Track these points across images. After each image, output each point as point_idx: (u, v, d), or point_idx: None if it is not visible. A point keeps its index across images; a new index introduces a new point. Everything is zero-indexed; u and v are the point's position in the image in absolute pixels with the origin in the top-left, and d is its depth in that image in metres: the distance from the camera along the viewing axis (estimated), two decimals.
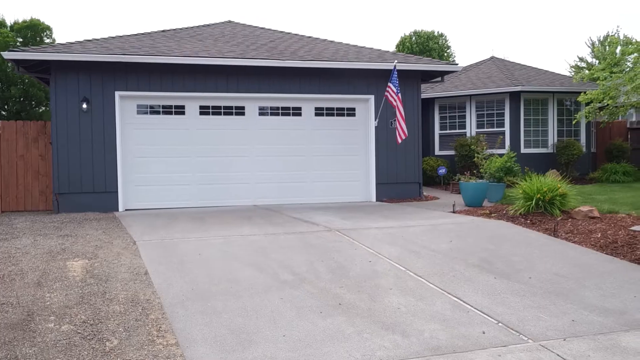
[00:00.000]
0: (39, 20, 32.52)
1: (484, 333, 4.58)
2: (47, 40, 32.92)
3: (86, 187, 10.66)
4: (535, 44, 54.21)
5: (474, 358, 4.13)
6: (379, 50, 13.22)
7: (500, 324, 4.77)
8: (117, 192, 10.78)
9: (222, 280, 5.90)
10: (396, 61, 11.33)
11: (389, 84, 11.10)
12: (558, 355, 4.16)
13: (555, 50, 52.46)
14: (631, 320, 4.87)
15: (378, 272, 6.19)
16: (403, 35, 41.25)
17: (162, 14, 57.95)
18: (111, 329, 4.60)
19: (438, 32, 41.66)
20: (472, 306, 5.19)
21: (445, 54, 40.85)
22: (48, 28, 33.76)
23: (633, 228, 7.49)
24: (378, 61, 12.00)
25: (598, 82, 14.55)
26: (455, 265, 6.45)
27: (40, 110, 32.39)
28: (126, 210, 10.88)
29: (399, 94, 10.97)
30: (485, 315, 4.97)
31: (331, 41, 13.63)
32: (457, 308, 5.16)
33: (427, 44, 40.37)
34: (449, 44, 42.28)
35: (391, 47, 41.60)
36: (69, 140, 10.57)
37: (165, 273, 6.07)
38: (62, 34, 48.29)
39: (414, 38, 40.96)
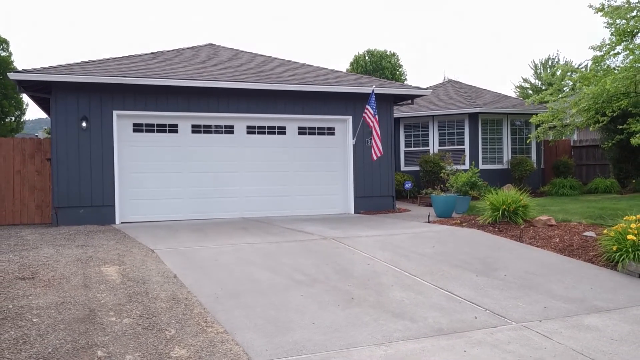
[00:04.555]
0: None
1: (476, 318, 5.62)
2: (4, 54, 32.63)
3: (84, 201, 11.20)
4: (482, 65, 57.33)
5: (472, 336, 5.15)
6: (355, 74, 14.35)
7: (487, 311, 5.82)
8: (114, 205, 11.37)
9: (244, 281, 6.72)
10: (374, 86, 12.48)
11: (367, 106, 12.20)
12: (538, 332, 5.23)
13: (501, 69, 55.65)
14: (590, 306, 6.03)
15: (378, 273, 7.17)
16: (357, 54, 42.76)
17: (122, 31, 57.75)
18: (165, 321, 5.37)
19: (390, 52, 43.30)
20: (462, 298, 6.23)
21: (397, 73, 42.68)
22: (5, 41, 33.52)
23: (585, 234, 8.80)
24: (355, 85, 13.12)
25: (548, 105, 16.16)
26: (442, 266, 7.50)
27: None
28: (122, 223, 11.47)
29: (376, 116, 12.08)
30: (474, 305, 6.01)
31: (310, 65, 14.68)
32: (450, 300, 6.19)
33: (380, 63, 42.03)
34: (401, 63, 44.13)
35: (346, 65, 43.01)
36: (68, 156, 11.11)
37: (192, 276, 6.83)
38: (19, 48, 47.56)
39: (367, 57, 42.56)
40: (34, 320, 5.20)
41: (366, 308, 5.84)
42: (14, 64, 32.37)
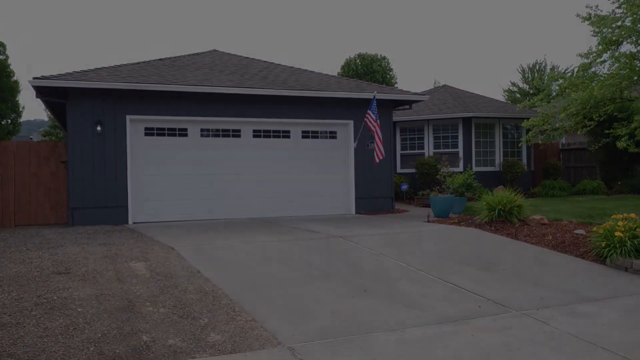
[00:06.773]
0: None
1: (480, 307, 6.18)
2: (1, 57, 32.83)
3: (98, 202, 11.65)
4: (471, 68, 58.33)
5: (477, 323, 5.71)
6: (356, 80, 14.95)
7: (490, 301, 6.39)
8: (127, 206, 11.84)
9: (263, 275, 7.24)
10: (376, 92, 13.06)
11: (369, 111, 12.76)
12: (536, 319, 5.81)
13: (490, 73, 56.73)
14: (582, 296, 6.64)
15: (386, 268, 7.72)
16: (348, 58, 43.19)
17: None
18: (197, 311, 5.87)
19: (381, 55, 43.75)
20: (465, 289, 6.80)
21: (388, 76, 43.21)
22: (2, 44, 33.66)
23: (576, 232, 9.42)
24: (357, 91, 13.70)
25: (538, 110, 16.84)
26: (444, 261, 8.07)
27: None
28: (134, 223, 11.92)
29: (378, 120, 12.65)
30: (477, 296, 6.58)
31: (312, 71, 15.24)
32: (455, 291, 6.75)
33: (370, 66, 42.54)
34: (392, 67, 44.66)
35: (337, 69, 43.48)
36: (84, 159, 11.57)
37: (214, 271, 7.33)
38: (16, 50, 47.69)
39: (358, 60, 43.08)
40: (79, 309, 5.68)
41: (379, 299, 6.38)
42: (11, 67, 32.60)
